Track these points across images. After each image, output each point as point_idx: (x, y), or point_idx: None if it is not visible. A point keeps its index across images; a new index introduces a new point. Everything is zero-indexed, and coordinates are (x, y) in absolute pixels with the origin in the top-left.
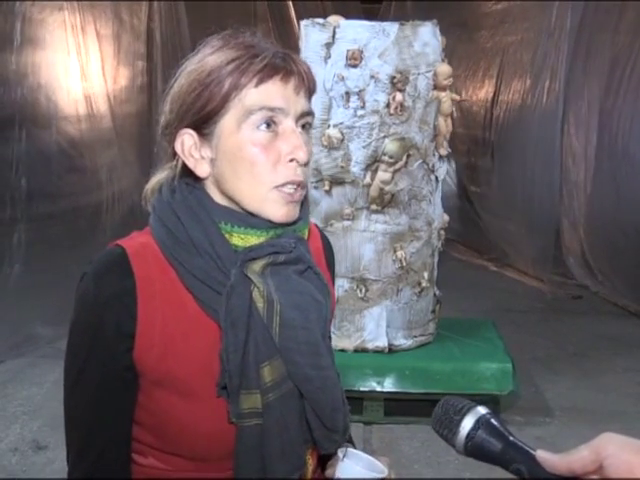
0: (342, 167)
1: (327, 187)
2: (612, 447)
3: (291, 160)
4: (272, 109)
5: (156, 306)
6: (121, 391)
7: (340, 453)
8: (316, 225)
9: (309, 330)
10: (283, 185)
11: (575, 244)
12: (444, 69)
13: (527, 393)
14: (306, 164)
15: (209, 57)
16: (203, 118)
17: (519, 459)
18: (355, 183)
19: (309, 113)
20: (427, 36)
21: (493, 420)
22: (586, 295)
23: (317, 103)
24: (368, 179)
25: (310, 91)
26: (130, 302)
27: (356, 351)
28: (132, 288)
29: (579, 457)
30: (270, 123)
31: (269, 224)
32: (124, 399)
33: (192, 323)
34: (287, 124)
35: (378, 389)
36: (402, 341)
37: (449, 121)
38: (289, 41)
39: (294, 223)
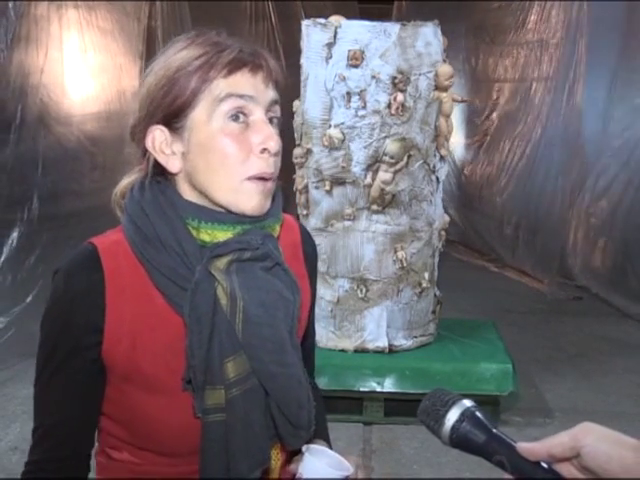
0: (343, 167)
1: (328, 187)
2: (591, 437)
3: (262, 151)
4: (241, 96)
5: (125, 301)
6: (86, 383)
7: (304, 449)
8: (297, 220)
9: (274, 327)
10: (255, 177)
11: (577, 245)
12: (445, 70)
13: (527, 394)
14: (277, 154)
15: (176, 55)
16: (174, 112)
17: (501, 451)
18: (356, 183)
19: (276, 102)
20: (428, 36)
21: (478, 413)
22: (586, 296)
23: (318, 103)
24: (369, 179)
25: (278, 84)
26: (99, 297)
27: (356, 351)
28: (101, 283)
29: (559, 442)
30: (241, 114)
31: (237, 219)
32: (89, 392)
33: (160, 319)
34: (257, 115)
35: (378, 389)
36: (402, 341)
37: (450, 122)
38: (295, 41)
39: (263, 218)
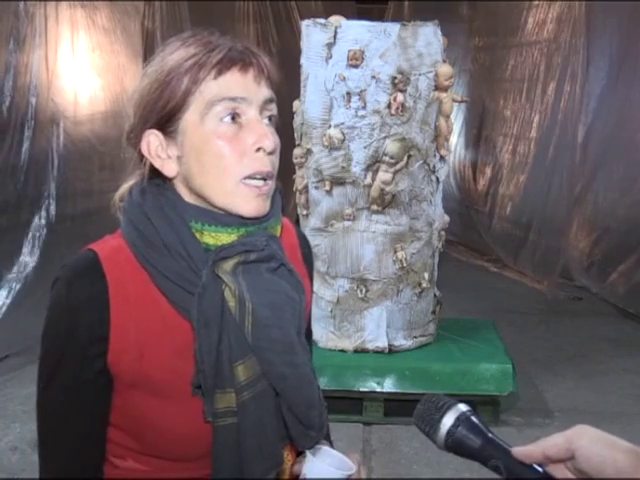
0: (343, 167)
1: (328, 187)
2: (585, 439)
3: (257, 150)
4: (233, 99)
5: (130, 309)
6: (93, 395)
7: (307, 450)
8: (291, 221)
9: (283, 328)
10: (251, 177)
11: (578, 245)
12: (445, 70)
13: (527, 394)
14: (273, 153)
15: (168, 57)
16: (166, 116)
17: (497, 455)
18: (356, 183)
19: (272, 100)
20: (428, 36)
21: (473, 417)
22: (586, 297)
23: (318, 103)
24: (369, 179)
25: (271, 81)
26: (102, 306)
27: (356, 351)
28: (104, 292)
29: (553, 444)
30: (234, 115)
31: (240, 221)
32: (96, 403)
33: (166, 324)
34: (251, 114)
35: (378, 389)
36: (402, 341)
37: (450, 122)
38: (293, 41)
39: (265, 219)
